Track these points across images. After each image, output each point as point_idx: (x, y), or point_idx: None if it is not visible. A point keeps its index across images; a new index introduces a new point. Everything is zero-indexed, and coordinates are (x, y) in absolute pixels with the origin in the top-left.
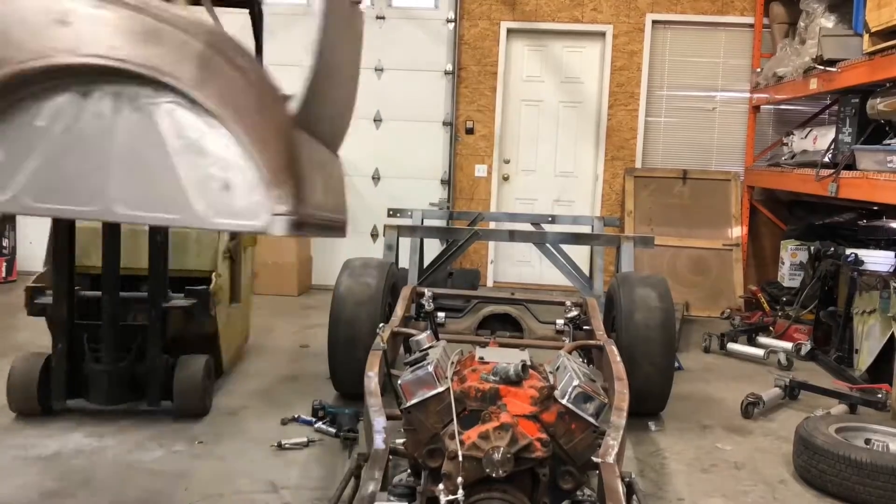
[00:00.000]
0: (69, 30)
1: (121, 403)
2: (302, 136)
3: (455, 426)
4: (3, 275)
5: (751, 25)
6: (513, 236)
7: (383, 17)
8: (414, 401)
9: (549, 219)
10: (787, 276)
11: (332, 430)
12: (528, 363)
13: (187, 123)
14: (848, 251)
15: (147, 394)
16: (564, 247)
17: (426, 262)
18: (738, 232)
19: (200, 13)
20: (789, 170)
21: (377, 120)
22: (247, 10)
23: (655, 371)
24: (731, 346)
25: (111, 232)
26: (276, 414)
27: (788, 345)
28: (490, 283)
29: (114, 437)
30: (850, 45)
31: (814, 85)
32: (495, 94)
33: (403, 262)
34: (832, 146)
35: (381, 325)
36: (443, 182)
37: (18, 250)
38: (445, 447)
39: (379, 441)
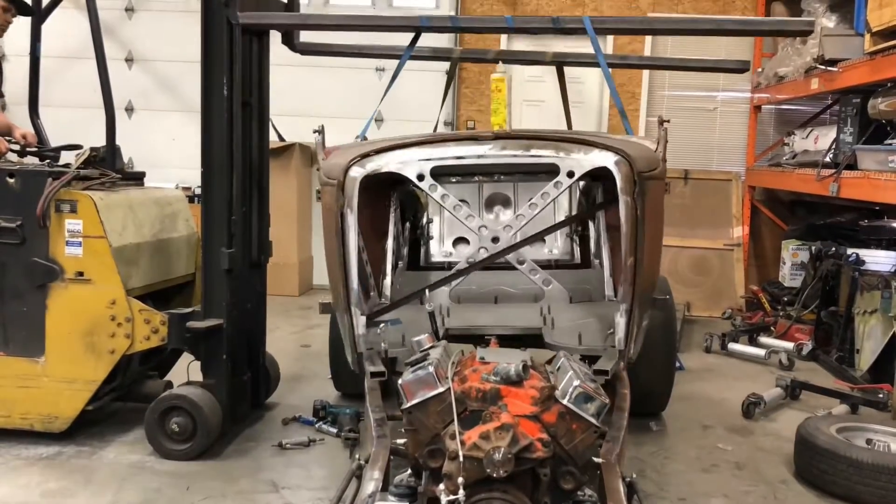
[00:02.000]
0: None
1: None
2: None
3: (456, 426)
4: None
5: None
6: None
7: None
8: (414, 401)
9: None
10: (789, 276)
11: (334, 430)
12: (529, 363)
13: None
14: (849, 251)
15: None
16: None
17: None
18: (739, 232)
19: None
20: (790, 170)
21: (378, 120)
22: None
23: (657, 371)
24: (733, 346)
25: None
26: (277, 414)
27: (790, 345)
28: None
29: (115, 436)
30: (852, 45)
31: (815, 85)
32: None
33: None
34: (833, 146)
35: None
36: None
37: None
38: (446, 447)
39: (379, 441)
